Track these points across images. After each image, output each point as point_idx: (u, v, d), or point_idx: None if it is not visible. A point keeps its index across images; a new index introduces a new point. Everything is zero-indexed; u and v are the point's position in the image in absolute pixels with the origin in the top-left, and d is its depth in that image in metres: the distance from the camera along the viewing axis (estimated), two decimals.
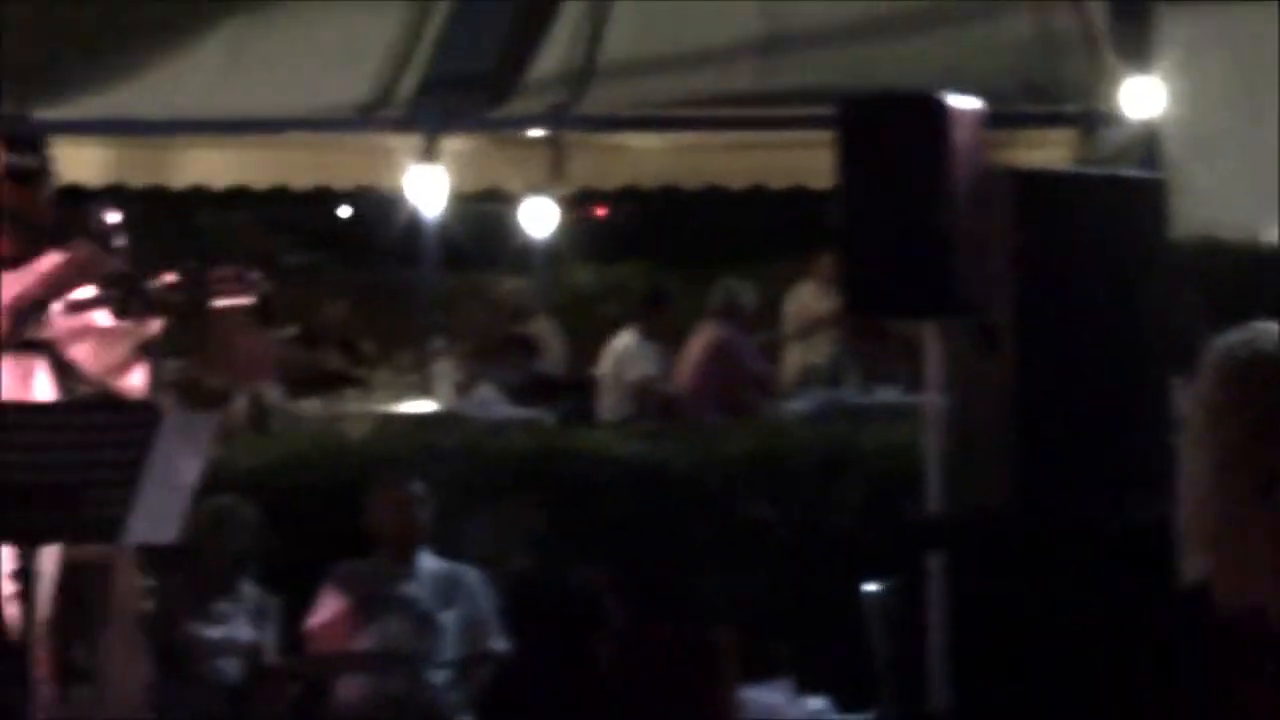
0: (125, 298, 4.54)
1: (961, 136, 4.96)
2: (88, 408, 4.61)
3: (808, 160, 8.55)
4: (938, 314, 5.14)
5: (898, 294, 5.19)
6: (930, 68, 7.80)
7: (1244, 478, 2.31)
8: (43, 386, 4.59)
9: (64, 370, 4.65)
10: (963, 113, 5.04)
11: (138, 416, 4.27)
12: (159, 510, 4.08)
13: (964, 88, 5.28)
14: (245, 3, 9.61)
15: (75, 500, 4.00)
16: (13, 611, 4.06)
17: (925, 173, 4.96)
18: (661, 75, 9.29)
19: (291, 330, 8.43)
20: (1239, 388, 2.38)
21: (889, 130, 5.09)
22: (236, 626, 5.97)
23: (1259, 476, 2.31)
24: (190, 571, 5.64)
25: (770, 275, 10.16)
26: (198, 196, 9.81)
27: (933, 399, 5.15)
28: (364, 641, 5.98)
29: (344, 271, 11.34)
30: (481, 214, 11.11)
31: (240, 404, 7.51)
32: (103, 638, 5.16)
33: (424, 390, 8.90)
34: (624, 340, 9.00)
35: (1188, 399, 2.50)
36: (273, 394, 8.08)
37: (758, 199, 10.37)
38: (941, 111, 4.96)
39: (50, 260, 4.38)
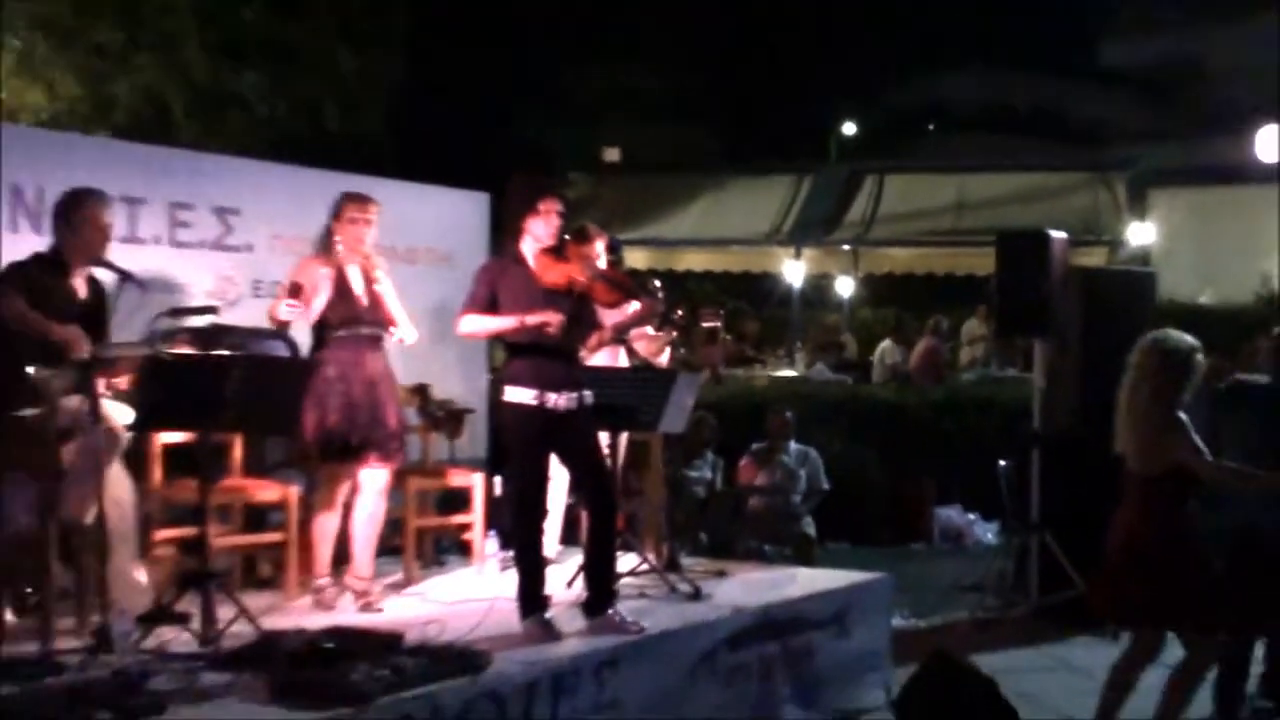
0: (661, 320, 6.42)
1: (1057, 251, 8.04)
2: (640, 371, 6.42)
3: (978, 261, 14.87)
4: (1042, 334, 8.17)
5: (1023, 324, 8.35)
6: (1043, 216, 12.50)
7: (1151, 399, 4.74)
8: (622, 361, 6.49)
9: (631, 354, 6.55)
10: (1057, 239, 8.07)
11: (666, 375, 6.22)
12: (674, 417, 6.08)
13: (1058, 227, 8.39)
14: (713, 180, 15.37)
15: (633, 411, 5.95)
16: (606, 464, 5.52)
17: (1038, 267, 7.95)
18: (908, 219, 14.37)
19: (728, 336, 12.09)
20: (1156, 355, 4.96)
21: (1021, 248, 8.10)
22: (703, 470, 8.95)
23: (1160, 396, 4.69)
24: (685, 444, 7.89)
25: (955, 314, 15.23)
26: (689, 274, 15.85)
27: (1037, 375, 8.20)
28: (762, 480, 8.99)
29: (754, 309, 17.04)
30: (818, 285, 16.69)
31: (706, 373, 9.72)
32: (647, 481, 7.10)
33: (790, 365, 14.20)
34: (885, 344, 14.73)
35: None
36: (720, 367, 11.52)
37: (952, 278, 16.82)
38: (1047, 239, 8.03)
39: (632, 306, 5.57)
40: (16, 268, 5.17)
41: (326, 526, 5.75)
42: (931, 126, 28.99)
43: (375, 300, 5.73)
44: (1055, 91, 26.21)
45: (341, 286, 5.65)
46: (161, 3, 9.52)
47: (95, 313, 5.22)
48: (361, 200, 5.71)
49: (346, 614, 5.59)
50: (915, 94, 28.50)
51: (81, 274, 5.24)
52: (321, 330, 5.68)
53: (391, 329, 5.78)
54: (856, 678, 6.21)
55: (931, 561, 9.62)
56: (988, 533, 10.43)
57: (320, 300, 5.61)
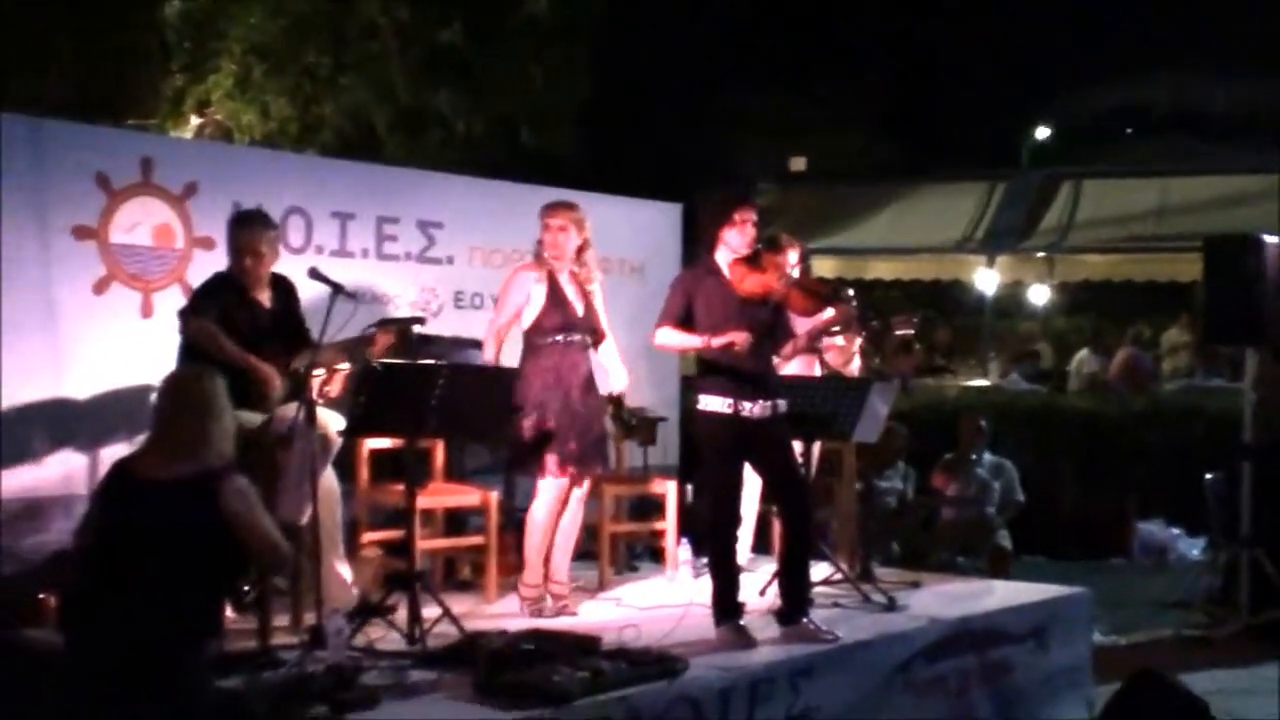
0: (857, 326, 6.31)
1: (1270, 255, 7.77)
2: (835, 379, 6.50)
3: (1180, 267, 14.18)
4: (1252, 342, 7.99)
5: (1233, 332, 8.03)
6: (1248, 220, 11.60)
7: None
8: (814, 370, 6.60)
9: (822, 362, 6.63)
10: (1270, 243, 7.77)
11: (861, 383, 6.22)
12: (868, 426, 6.07)
13: (1266, 232, 8.06)
14: (903, 191, 15.22)
15: (828, 420, 5.99)
16: (801, 473, 5.60)
17: (1249, 272, 7.66)
18: (1106, 225, 13.94)
19: (919, 345, 11.00)
20: None
21: (1231, 253, 7.84)
22: (895, 480, 8.83)
23: None
24: (876, 454, 7.36)
25: (1155, 322, 14.99)
26: (878, 283, 16.25)
27: (1248, 385, 7.98)
28: (954, 491, 8.86)
29: (944, 318, 16.78)
30: (1011, 293, 16.37)
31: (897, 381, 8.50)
32: (840, 490, 7.17)
33: (983, 374, 13.95)
34: (1082, 354, 14.32)
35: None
36: (910, 377, 9.76)
37: (1153, 285, 15.93)
38: (1259, 243, 7.79)
39: (825, 314, 5.60)
40: (203, 291, 5.41)
41: (538, 532, 5.81)
42: (1129, 130, 28.14)
43: (589, 307, 5.85)
44: (1254, 92, 25.16)
45: (554, 293, 5.76)
46: (366, 26, 9.89)
47: (285, 320, 5.44)
48: (550, 207, 5.84)
49: (543, 617, 5.70)
50: (1110, 97, 27.70)
51: (264, 287, 5.44)
52: (533, 337, 5.78)
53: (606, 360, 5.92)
54: (1056, 694, 6.09)
55: (1132, 577, 9.38)
56: (1192, 549, 10.11)
57: (533, 308, 5.74)
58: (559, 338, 5.72)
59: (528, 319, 5.76)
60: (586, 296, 5.84)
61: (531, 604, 5.74)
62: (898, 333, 6.86)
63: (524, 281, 5.77)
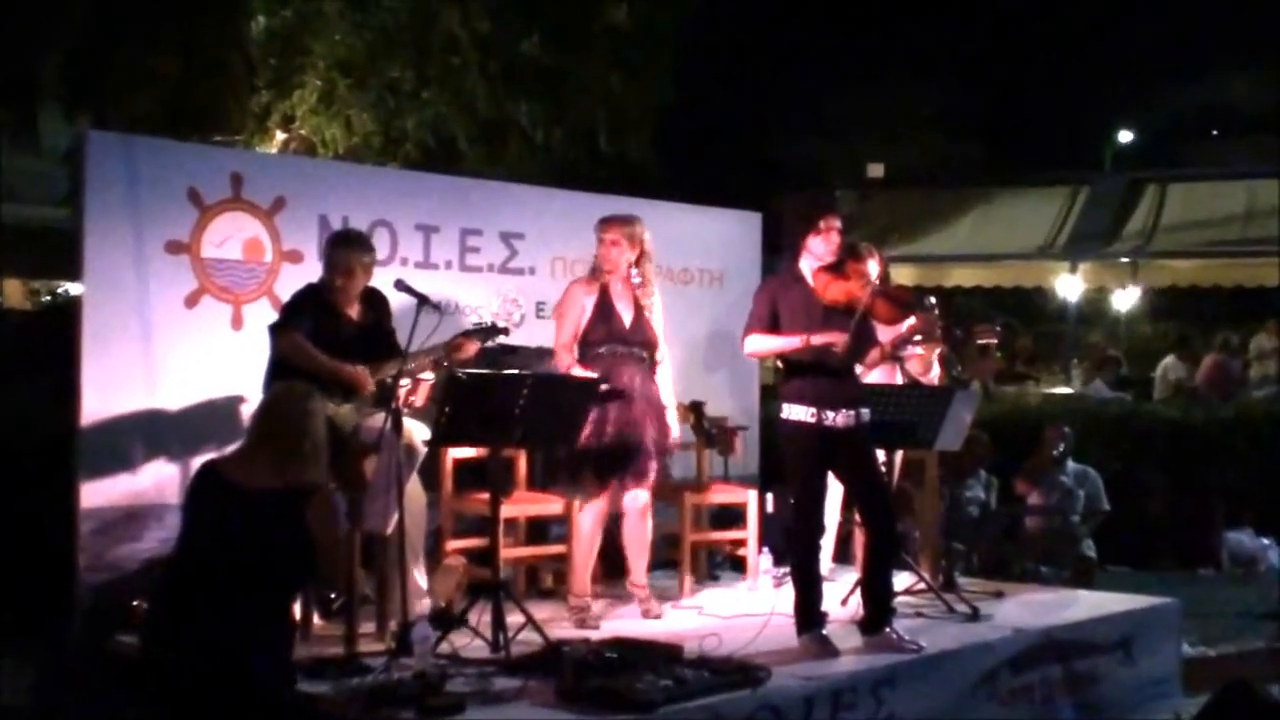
0: (941, 335, 6.32)
1: None
2: (918, 388, 6.36)
3: (1269, 272, 14.34)
4: None
5: None
6: None
7: None
8: (896, 379, 6.44)
9: (904, 371, 6.51)
10: None
11: (944, 392, 6.18)
12: (951, 434, 6.11)
13: None
14: (981, 194, 15.16)
15: (911, 428, 5.97)
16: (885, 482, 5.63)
17: None
18: (1192, 229, 13.70)
19: (999, 353, 11.74)
20: None
21: None
22: (976, 489, 8.61)
23: None
24: (958, 462, 7.39)
25: (1243, 329, 14.81)
26: (958, 290, 16.18)
27: None
28: (1037, 499, 8.80)
29: (1026, 325, 16.65)
30: (1094, 300, 16.21)
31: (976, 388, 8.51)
32: (922, 499, 6.99)
33: (1066, 382, 13.78)
34: (1168, 361, 13.94)
35: None
36: (990, 384, 10.95)
37: (1240, 290, 15.82)
38: None
39: (908, 322, 5.71)
40: (293, 305, 5.52)
41: (584, 544, 5.85)
42: (1215, 132, 27.66)
43: (640, 320, 5.86)
44: None
45: (603, 306, 5.81)
46: (447, 40, 10.00)
47: (373, 332, 5.53)
48: (604, 221, 5.91)
49: (627, 621, 5.76)
50: (1194, 98, 27.24)
51: (353, 302, 5.54)
52: (582, 349, 5.84)
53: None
54: (1144, 705, 6.03)
55: (1221, 587, 9.21)
56: None
57: (582, 321, 5.81)
58: (603, 350, 5.76)
59: (578, 332, 5.84)
60: (639, 310, 5.86)
61: (577, 613, 5.76)
62: (979, 341, 6.85)
63: (576, 295, 5.85)
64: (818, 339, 5.18)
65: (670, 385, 6.03)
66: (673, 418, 6.01)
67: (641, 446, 5.76)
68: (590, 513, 5.80)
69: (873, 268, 6.21)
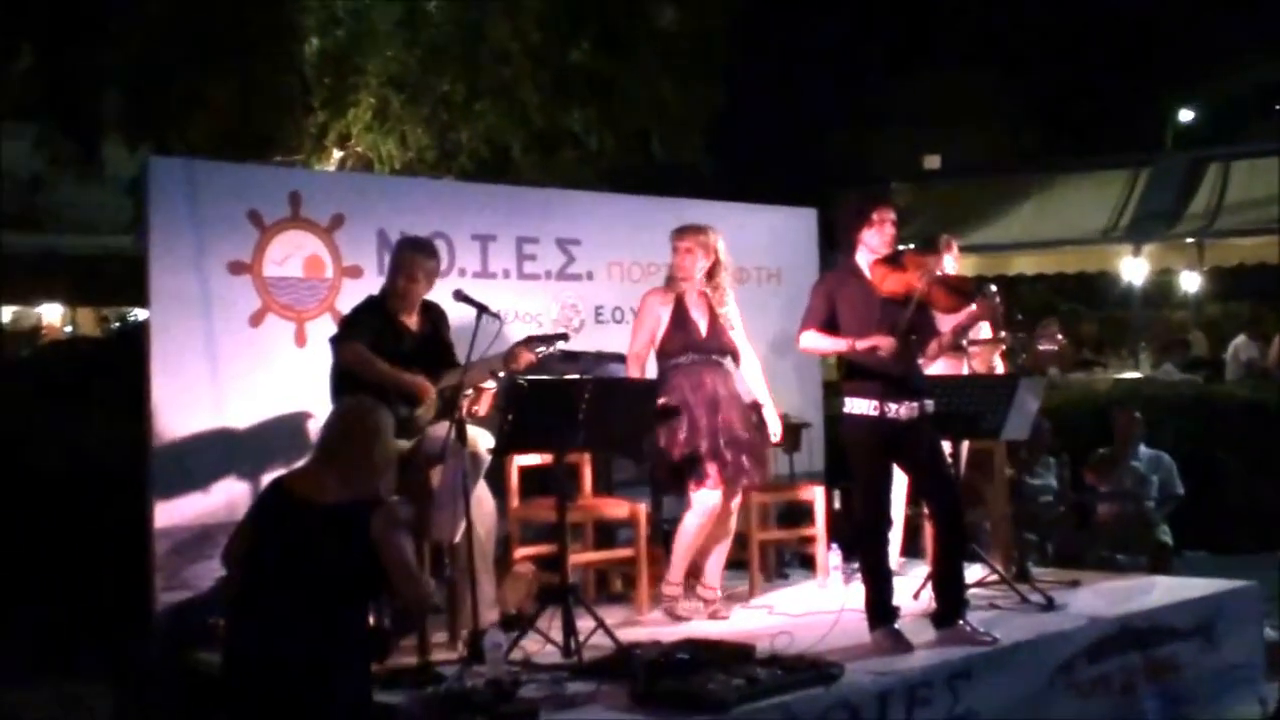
0: (1002, 323, 6.33)
1: None
2: (982, 377, 6.46)
3: None
4: None
5: None
6: None
7: None
8: (962, 371, 6.47)
9: (969, 365, 6.58)
10: None
11: (1009, 380, 6.21)
12: (1018, 423, 6.05)
13: None
14: (1040, 179, 15.10)
15: (976, 418, 5.85)
16: (951, 473, 5.58)
17: None
18: (1258, 207, 13.45)
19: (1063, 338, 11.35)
20: None
21: None
22: (1046, 478, 8.48)
23: None
24: (1026, 451, 7.32)
25: None
26: (1021, 278, 16.25)
27: None
28: (1109, 486, 8.58)
29: (1089, 311, 16.62)
30: (1160, 282, 16.09)
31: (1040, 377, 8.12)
32: (991, 490, 6.90)
33: (1134, 366, 13.60)
34: (1239, 340, 13.83)
35: None
36: (1055, 373, 11.44)
37: None
38: None
39: (969, 310, 5.68)
40: (353, 317, 5.56)
41: (685, 538, 5.86)
42: (1278, 107, 27.14)
43: (716, 327, 5.89)
44: None
45: (679, 315, 5.85)
46: (498, 52, 10.06)
47: (432, 342, 5.56)
48: (677, 231, 5.97)
49: (695, 624, 5.75)
50: (1254, 75, 26.75)
51: (413, 310, 5.58)
52: (660, 359, 5.89)
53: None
54: (1227, 691, 5.96)
55: None
56: None
57: (659, 331, 5.85)
58: (682, 359, 5.80)
59: (656, 342, 5.89)
60: (715, 317, 5.88)
61: (668, 602, 5.80)
62: (1041, 348, 6.73)
63: (652, 305, 5.90)
64: (862, 344, 5.17)
65: (763, 384, 6.08)
66: (770, 414, 6.05)
67: (749, 446, 5.81)
68: (701, 509, 5.79)
69: (948, 262, 6.31)
